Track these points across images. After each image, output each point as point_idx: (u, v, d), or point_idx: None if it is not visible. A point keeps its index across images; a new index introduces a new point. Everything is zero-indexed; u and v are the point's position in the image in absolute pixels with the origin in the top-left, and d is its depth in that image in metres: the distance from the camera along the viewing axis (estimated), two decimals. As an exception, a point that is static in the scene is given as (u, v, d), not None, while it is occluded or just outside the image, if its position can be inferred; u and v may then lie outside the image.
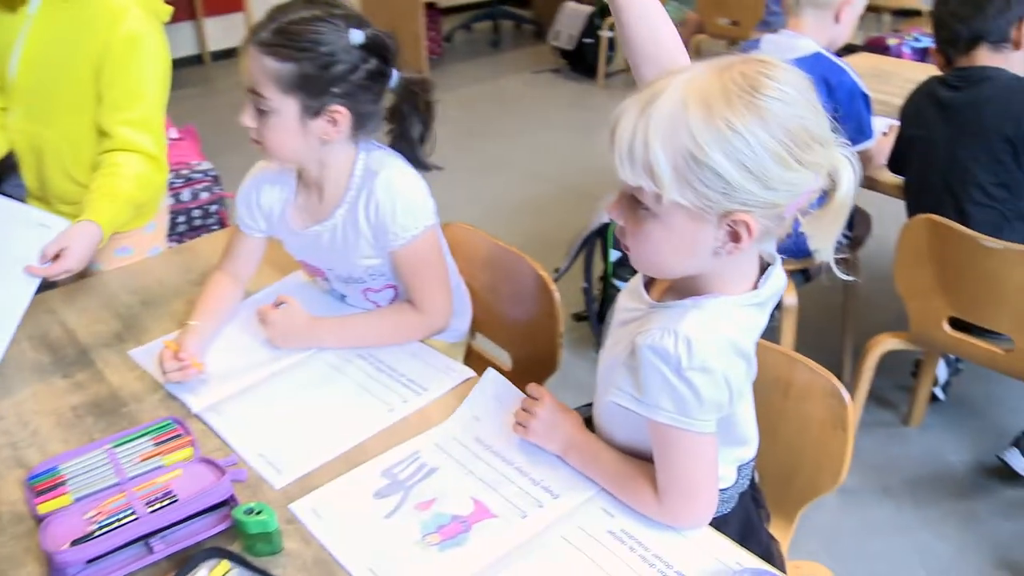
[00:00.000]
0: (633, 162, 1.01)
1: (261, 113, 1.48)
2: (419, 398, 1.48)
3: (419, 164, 1.65)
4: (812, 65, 2.26)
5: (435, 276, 1.66)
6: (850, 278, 1.14)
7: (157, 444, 1.36)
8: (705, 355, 1.06)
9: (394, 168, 1.58)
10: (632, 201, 1.07)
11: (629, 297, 1.24)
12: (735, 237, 1.03)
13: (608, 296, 3.03)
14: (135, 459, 1.34)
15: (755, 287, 1.13)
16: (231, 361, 1.60)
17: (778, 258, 1.16)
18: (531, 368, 1.81)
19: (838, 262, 1.10)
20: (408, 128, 1.63)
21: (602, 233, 3.00)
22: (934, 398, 2.71)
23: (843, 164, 1.04)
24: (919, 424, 2.69)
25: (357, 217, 1.60)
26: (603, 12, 6.05)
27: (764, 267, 1.15)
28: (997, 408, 2.78)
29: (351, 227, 1.61)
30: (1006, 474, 2.43)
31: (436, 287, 1.66)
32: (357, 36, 1.47)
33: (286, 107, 1.47)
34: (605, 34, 6.07)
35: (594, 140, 5.26)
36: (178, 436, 1.38)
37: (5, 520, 1.25)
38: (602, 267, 3.06)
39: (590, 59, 6.28)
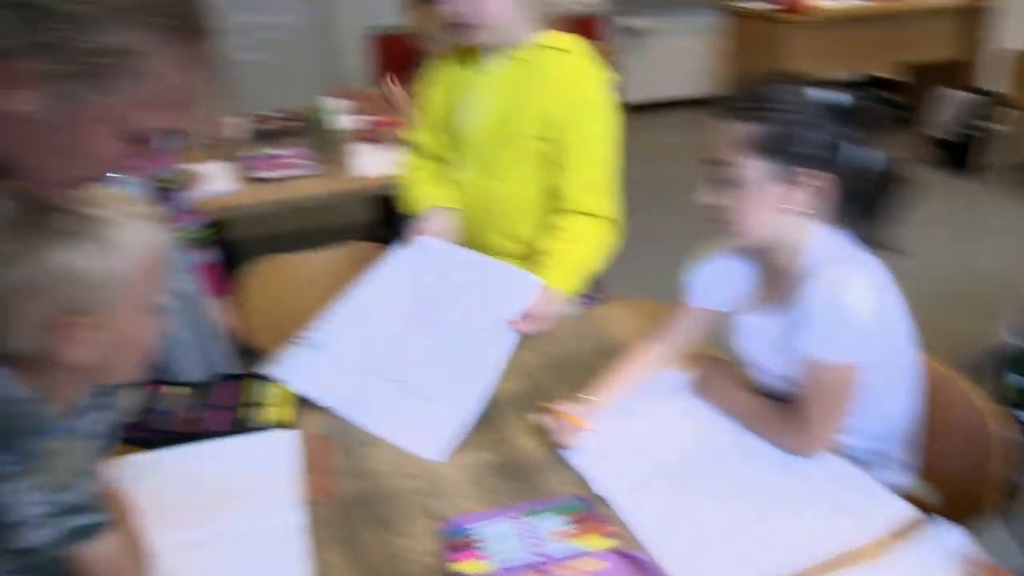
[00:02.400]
0: None
1: (729, 185, 1.42)
2: (853, 529, 1.30)
3: (876, 243, 1.49)
4: None
5: (833, 408, 1.46)
6: None
7: (571, 523, 1.31)
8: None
9: (849, 273, 1.41)
10: None
11: None
12: None
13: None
14: (548, 535, 1.29)
15: None
16: (646, 440, 1.53)
17: None
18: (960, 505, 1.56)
19: None
20: (873, 200, 1.48)
21: (1000, 355, 2.68)
22: None
23: None
24: None
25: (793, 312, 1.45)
26: (995, 103, 5.59)
27: None
28: None
29: (788, 323, 1.47)
30: None
31: (828, 418, 1.47)
32: (844, 99, 1.40)
33: (761, 173, 1.40)
34: (992, 126, 5.60)
35: (969, 240, 4.82)
36: (590, 519, 1.32)
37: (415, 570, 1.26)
38: (993, 390, 2.73)
39: (970, 152, 5.80)
